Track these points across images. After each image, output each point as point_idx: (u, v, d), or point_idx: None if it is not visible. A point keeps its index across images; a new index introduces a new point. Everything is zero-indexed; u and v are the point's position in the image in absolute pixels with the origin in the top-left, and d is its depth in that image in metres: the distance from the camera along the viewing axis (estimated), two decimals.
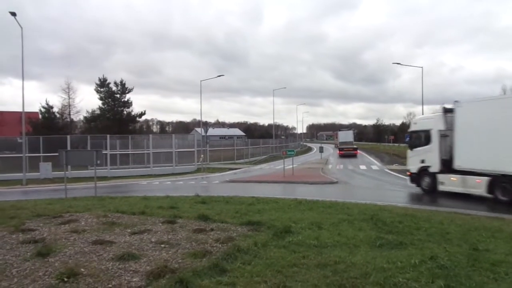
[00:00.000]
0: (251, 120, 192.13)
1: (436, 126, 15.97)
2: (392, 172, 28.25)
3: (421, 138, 16.90)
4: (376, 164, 36.58)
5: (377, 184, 21.26)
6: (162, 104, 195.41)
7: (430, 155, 16.18)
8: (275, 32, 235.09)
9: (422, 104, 30.37)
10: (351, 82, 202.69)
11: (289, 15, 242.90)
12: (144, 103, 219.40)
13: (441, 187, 15.66)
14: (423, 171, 16.58)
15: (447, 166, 15.23)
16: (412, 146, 17.59)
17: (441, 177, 15.62)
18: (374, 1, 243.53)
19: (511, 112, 12.63)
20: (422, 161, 16.60)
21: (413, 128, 17.92)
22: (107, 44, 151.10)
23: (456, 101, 15.03)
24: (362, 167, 33.67)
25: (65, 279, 4.40)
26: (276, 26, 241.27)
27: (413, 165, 17.27)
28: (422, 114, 32.21)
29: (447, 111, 15.61)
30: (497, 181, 13.06)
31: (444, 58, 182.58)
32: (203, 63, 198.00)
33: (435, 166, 15.91)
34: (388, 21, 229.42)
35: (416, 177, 17.11)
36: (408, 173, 18.12)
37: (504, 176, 12.74)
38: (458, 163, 14.62)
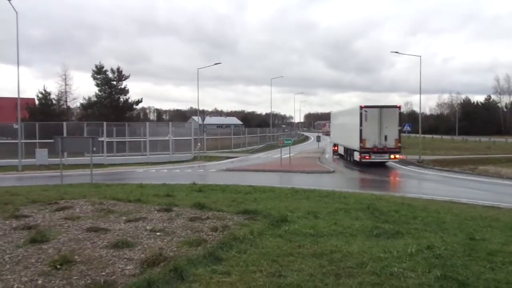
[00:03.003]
0: (247, 109, 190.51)
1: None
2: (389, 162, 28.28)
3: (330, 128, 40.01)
4: None
5: (374, 173, 21.28)
6: (155, 92, 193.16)
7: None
8: (264, 19, 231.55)
9: (420, 94, 30.27)
10: (345, 71, 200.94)
11: (276, 2, 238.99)
12: (137, 91, 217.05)
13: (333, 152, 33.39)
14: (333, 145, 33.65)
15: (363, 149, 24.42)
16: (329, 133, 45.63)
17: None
18: None
19: (341, 117, 30.52)
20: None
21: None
22: (94, 30, 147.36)
23: (331, 112, 36.15)
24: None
25: (58, 266, 4.35)
26: (264, 14, 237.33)
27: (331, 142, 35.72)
28: (420, 104, 32.84)
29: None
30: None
31: (438, 47, 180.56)
32: (193, 51, 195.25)
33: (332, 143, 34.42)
34: (379, 9, 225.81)
35: (333, 148, 33.55)
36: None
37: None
38: (331, 140, 35.01)
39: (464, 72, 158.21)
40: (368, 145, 22.73)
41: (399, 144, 23.05)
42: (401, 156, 23.99)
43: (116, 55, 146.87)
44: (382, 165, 24.17)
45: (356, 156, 23.87)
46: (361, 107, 23.34)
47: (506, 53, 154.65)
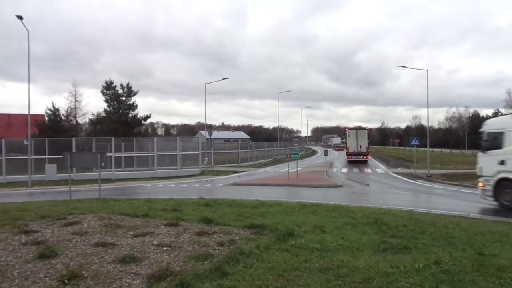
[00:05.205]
0: (253, 123, 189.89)
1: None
2: (398, 176, 28.10)
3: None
4: (381, 168, 36.42)
5: (382, 188, 21.15)
6: (160, 107, 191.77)
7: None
8: (263, 33, 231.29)
9: (428, 108, 30.49)
10: (348, 84, 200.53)
11: (275, 16, 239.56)
12: (142, 106, 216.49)
13: None
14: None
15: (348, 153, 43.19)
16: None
17: None
18: (360, 2, 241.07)
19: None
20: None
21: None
22: (94, 45, 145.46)
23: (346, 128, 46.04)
24: (367, 170, 33.52)
25: (66, 281, 4.39)
26: (263, 27, 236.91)
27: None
28: (427, 118, 32.57)
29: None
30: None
31: (442, 60, 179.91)
32: (194, 65, 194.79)
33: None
34: (379, 22, 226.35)
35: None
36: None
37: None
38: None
39: (470, 85, 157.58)
40: (350, 150, 42.18)
41: (368, 150, 42.70)
42: (369, 157, 44.51)
43: (118, 71, 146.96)
44: (389, 179, 25.00)
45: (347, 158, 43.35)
46: (345, 129, 45.56)
47: (510, 66, 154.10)
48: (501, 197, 13.12)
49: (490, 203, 13.61)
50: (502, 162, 12.96)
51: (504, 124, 13.36)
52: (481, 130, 14.57)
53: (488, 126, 14.22)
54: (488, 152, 13.68)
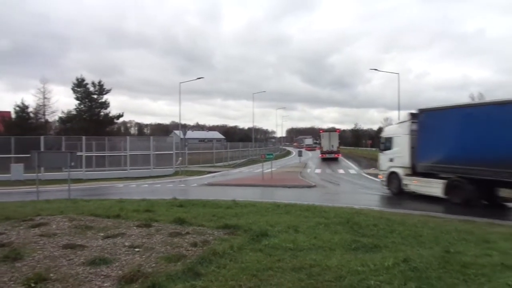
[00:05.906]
0: (228, 123, 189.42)
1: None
2: (369, 176, 28.69)
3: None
4: (353, 168, 37.09)
5: (354, 188, 21.56)
6: (133, 105, 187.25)
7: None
8: (237, 32, 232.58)
9: (399, 110, 31.72)
10: (321, 86, 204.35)
11: (248, 16, 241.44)
12: (114, 104, 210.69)
13: None
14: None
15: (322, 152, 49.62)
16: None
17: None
18: (333, 5, 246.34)
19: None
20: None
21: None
22: (62, 41, 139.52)
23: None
24: (340, 171, 34.08)
25: (32, 285, 4.25)
26: (236, 27, 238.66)
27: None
28: (398, 119, 33.11)
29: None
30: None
31: (412, 64, 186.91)
32: (167, 64, 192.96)
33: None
34: (352, 25, 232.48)
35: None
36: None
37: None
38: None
39: (438, 89, 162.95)
40: (324, 149, 48.28)
41: (339, 149, 48.97)
42: (340, 155, 49.94)
43: (89, 68, 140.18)
44: (361, 180, 25.94)
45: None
46: (319, 131, 52.72)
47: (476, 71, 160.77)
48: (391, 186, 17.42)
49: (386, 191, 17.76)
50: (391, 160, 17.37)
51: (393, 131, 17.83)
52: (380, 135, 19.85)
53: (384, 133, 19.00)
54: (384, 152, 18.11)
